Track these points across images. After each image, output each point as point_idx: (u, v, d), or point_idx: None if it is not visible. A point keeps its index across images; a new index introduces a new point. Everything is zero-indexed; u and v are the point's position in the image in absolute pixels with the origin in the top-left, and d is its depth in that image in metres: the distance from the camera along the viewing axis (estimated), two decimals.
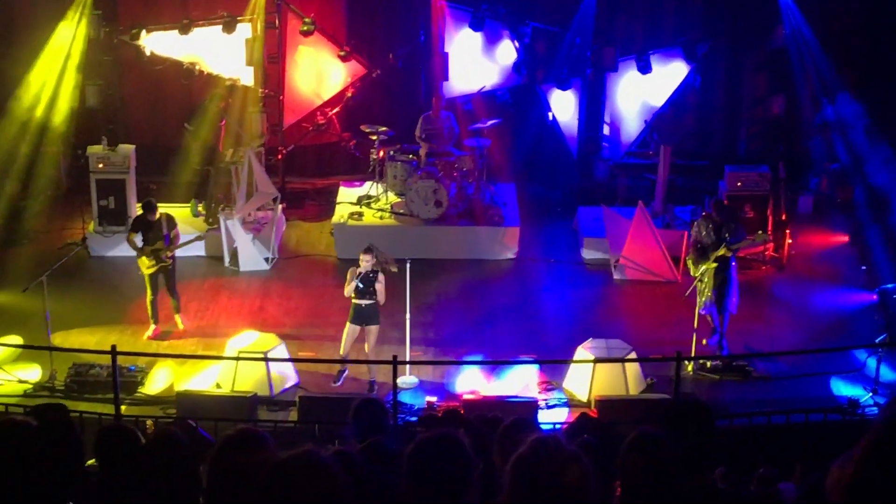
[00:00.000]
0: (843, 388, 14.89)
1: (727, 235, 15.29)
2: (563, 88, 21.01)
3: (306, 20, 20.42)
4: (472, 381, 14.98)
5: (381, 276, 14.62)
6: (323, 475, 4.23)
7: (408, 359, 15.19)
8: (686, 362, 14.98)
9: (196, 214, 19.63)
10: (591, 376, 14.64)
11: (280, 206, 19.59)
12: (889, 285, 16.53)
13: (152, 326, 16.39)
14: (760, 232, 15.62)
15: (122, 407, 13.02)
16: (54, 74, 19.74)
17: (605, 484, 4.86)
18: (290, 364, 15.20)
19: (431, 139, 19.88)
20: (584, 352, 14.95)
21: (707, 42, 21.10)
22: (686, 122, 20.98)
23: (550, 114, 21.56)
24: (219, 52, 20.49)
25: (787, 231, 18.66)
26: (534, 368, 15.17)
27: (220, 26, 20.05)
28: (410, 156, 19.74)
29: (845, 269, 18.48)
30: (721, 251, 15.26)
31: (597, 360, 14.62)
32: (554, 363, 15.39)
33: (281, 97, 20.95)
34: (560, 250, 19.44)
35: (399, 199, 19.60)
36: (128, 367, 14.69)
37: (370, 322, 14.80)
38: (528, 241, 19.34)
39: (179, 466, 5.98)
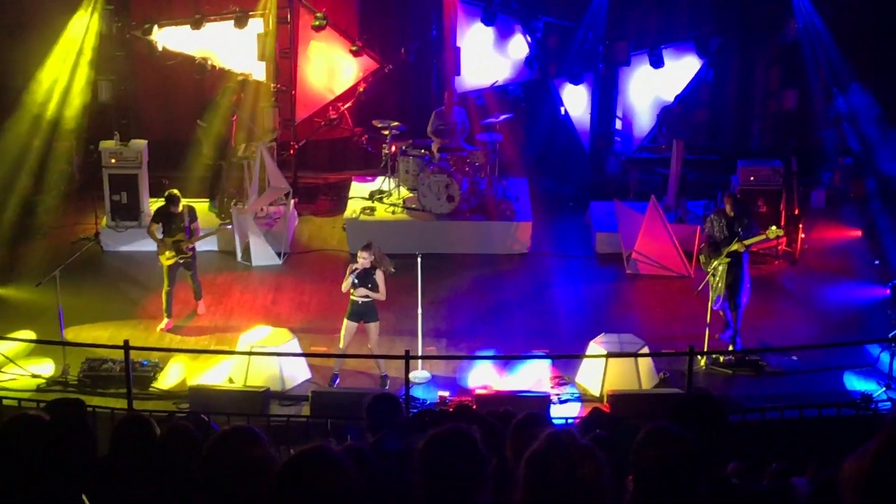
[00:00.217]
0: (856, 383, 14.86)
1: (740, 231, 15.26)
2: (576, 83, 21.00)
3: (318, 15, 20.43)
4: (484, 376, 14.98)
5: (378, 272, 14.58)
6: (335, 470, 4.23)
7: (420, 353, 15.20)
8: (699, 357, 14.97)
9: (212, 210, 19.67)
10: (604, 371, 14.63)
11: (292, 201, 19.59)
12: None
13: (165, 319, 16.47)
14: (774, 227, 15.56)
15: (135, 402, 13.06)
16: (66, 70, 19.79)
17: (617, 479, 4.84)
18: (302, 359, 15.21)
19: (443, 134, 19.86)
20: (596, 346, 14.93)
21: (719, 36, 21.06)
22: (695, 116, 20.92)
23: (562, 108, 21.55)
24: (231, 47, 20.51)
25: (800, 225, 18.62)
26: (546, 363, 15.16)
27: (232, 21, 20.06)
28: (422, 151, 19.73)
29: (858, 264, 18.43)
30: (734, 246, 15.23)
31: (609, 355, 14.60)
32: (566, 358, 15.37)
33: (293, 92, 20.95)
34: (572, 245, 19.42)
35: (411, 194, 19.59)
36: (140, 361, 14.72)
37: (368, 319, 14.75)
38: (540, 235, 19.32)
39: (191, 461, 5.99)
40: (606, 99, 21.09)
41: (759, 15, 21.00)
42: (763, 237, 15.40)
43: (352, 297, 14.66)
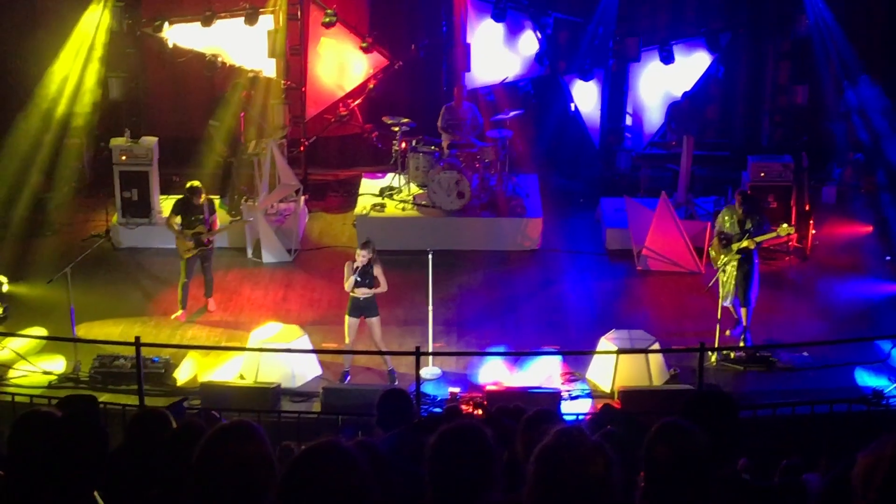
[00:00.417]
0: (867, 379, 14.83)
1: (751, 227, 15.23)
2: (586, 79, 20.99)
3: (328, 12, 20.43)
4: (495, 372, 14.97)
5: (377, 267, 14.56)
6: (346, 466, 4.23)
7: (430, 350, 15.20)
8: (709, 353, 14.95)
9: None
10: (615, 367, 14.62)
11: (302, 198, 19.61)
12: None
13: (180, 310, 16.56)
14: (785, 225, 15.55)
15: (146, 398, 13.08)
16: (77, 66, 19.82)
17: (628, 475, 4.84)
18: (312, 355, 15.22)
19: (454, 130, 19.85)
20: (607, 343, 14.93)
21: (730, 32, 21.05)
22: (704, 111, 20.89)
23: (573, 104, 21.55)
24: (241, 44, 20.53)
25: (811, 221, 18.58)
26: (557, 359, 15.16)
27: (243, 18, 20.07)
28: (433, 147, 19.72)
29: (869, 260, 18.39)
30: (744, 243, 15.21)
31: (620, 351, 14.60)
32: (577, 354, 15.37)
33: (303, 89, 20.96)
34: (582, 241, 19.41)
35: (421, 191, 19.59)
36: (151, 358, 14.74)
37: (369, 314, 14.75)
38: (550, 232, 19.31)
39: None
40: (616, 95, 21.07)
41: (769, 10, 20.97)
42: (774, 234, 15.38)
43: (352, 295, 14.66)
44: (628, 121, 21.35)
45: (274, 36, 20.10)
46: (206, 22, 20.08)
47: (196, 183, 16.52)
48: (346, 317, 14.78)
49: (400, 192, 19.80)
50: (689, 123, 19.75)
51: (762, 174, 18.80)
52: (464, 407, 12.94)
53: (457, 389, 14.48)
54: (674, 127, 20.27)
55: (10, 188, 19.47)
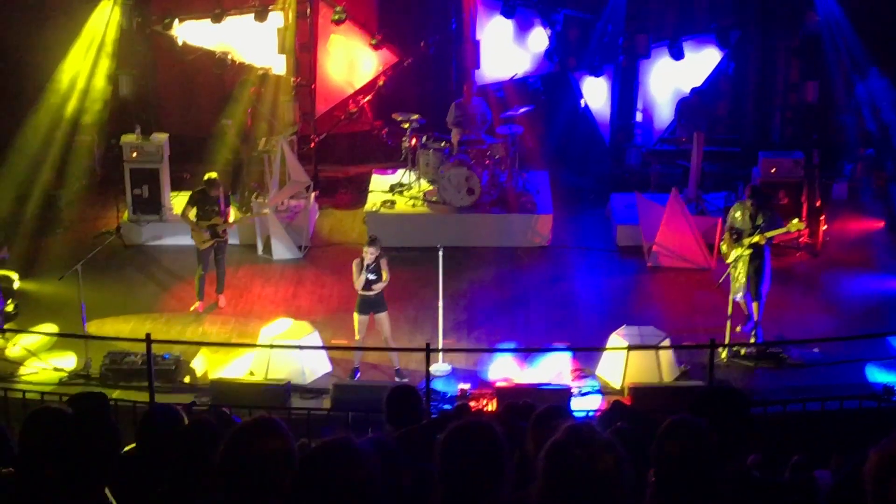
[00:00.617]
0: (878, 375, 14.79)
1: (762, 223, 15.21)
2: (596, 75, 20.99)
3: (338, 9, 20.45)
4: (505, 369, 14.97)
5: (382, 261, 14.58)
6: (357, 462, 4.24)
7: (440, 346, 15.20)
8: (720, 349, 14.93)
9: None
10: (625, 363, 14.60)
11: (313, 195, 19.61)
12: None
13: (197, 302, 16.68)
14: (796, 220, 15.53)
15: (157, 395, 13.10)
16: (88, 64, 19.86)
17: (638, 472, 4.84)
18: (323, 352, 15.23)
19: (463, 126, 19.83)
20: (617, 339, 14.92)
21: (740, 28, 21.02)
22: (714, 107, 20.86)
23: (583, 101, 21.54)
24: (251, 42, 20.57)
25: (822, 217, 18.55)
26: (567, 356, 15.15)
27: (252, 15, 20.12)
28: (443, 143, 19.72)
29: (880, 256, 18.35)
30: (755, 238, 15.19)
31: (630, 348, 14.59)
32: (587, 350, 15.36)
33: (313, 86, 20.98)
34: (593, 238, 19.39)
35: (431, 187, 19.59)
36: (162, 355, 14.75)
37: (378, 310, 14.77)
38: (560, 228, 19.30)
39: (212, 454, 6.01)
40: (627, 91, 21.05)
41: (779, 6, 20.93)
42: (784, 230, 15.36)
43: (362, 293, 14.67)
44: (638, 117, 21.33)
45: (283, 33, 20.12)
46: (216, 19, 20.13)
47: (213, 175, 16.63)
48: (356, 314, 14.78)
49: (410, 188, 19.80)
50: (699, 119, 19.72)
51: (773, 170, 18.76)
52: (473, 403, 12.95)
53: (467, 386, 14.48)
54: (684, 123, 20.25)
55: (21, 185, 19.53)
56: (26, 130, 19.66)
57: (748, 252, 15.26)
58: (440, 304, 15.24)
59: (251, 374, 14.91)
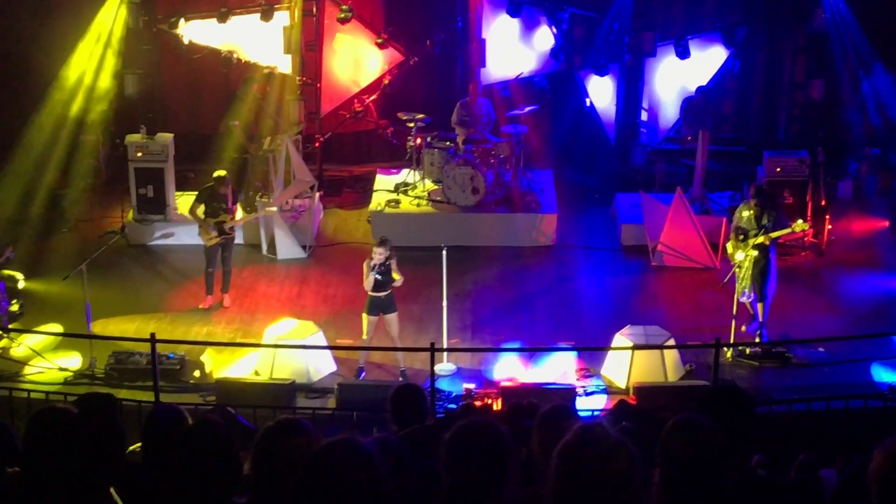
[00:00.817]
0: (883, 375, 14.79)
1: (767, 223, 15.19)
2: (601, 74, 20.97)
3: (343, 7, 20.44)
4: (509, 368, 14.96)
5: (393, 262, 14.57)
6: (363, 462, 4.24)
7: (445, 346, 15.20)
8: (725, 349, 14.93)
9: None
10: (630, 363, 14.60)
11: (317, 194, 19.62)
12: None
13: (207, 297, 16.74)
14: (800, 221, 15.52)
15: (161, 394, 13.11)
16: (93, 63, 19.86)
17: (643, 471, 4.83)
18: (327, 352, 15.23)
19: (468, 126, 19.83)
20: (622, 338, 14.91)
21: (746, 27, 20.99)
22: (718, 106, 20.83)
23: (588, 100, 21.52)
24: (257, 41, 20.56)
25: (827, 216, 18.53)
26: (572, 355, 15.14)
27: (258, 14, 20.12)
28: (448, 143, 19.70)
29: (885, 255, 18.33)
30: (760, 238, 15.17)
31: (635, 347, 14.58)
32: (592, 350, 15.36)
33: (318, 85, 20.96)
34: (598, 237, 19.38)
35: (436, 187, 19.58)
36: (167, 354, 14.76)
37: (388, 310, 14.77)
38: (565, 227, 19.29)
39: (218, 454, 6.00)
40: (632, 90, 21.02)
41: (785, 4, 20.90)
42: (788, 230, 15.35)
43: (371, 294, 14.65)
44: (644, 116, 21.29)
45: (289, 32, 20.12)
46: (222, 18, 20.12)
47: (223, 172, 16.71)
48: (365, 315, 14.77)
49: (415, 187, 19.79)
50: (705, 118, 19.70)
51: (778, 169, 18.75)
52: (477, 403, 12.95)
53: (471, 385, 14.48)
54: (689, 122, 20.23)
55: (26, 184, 19.54)
56: (31, 129, 19.66)
57: (754, 253, 15.25)
58: (444, 303, 15.24)
59: (256, 373, 14.91)
